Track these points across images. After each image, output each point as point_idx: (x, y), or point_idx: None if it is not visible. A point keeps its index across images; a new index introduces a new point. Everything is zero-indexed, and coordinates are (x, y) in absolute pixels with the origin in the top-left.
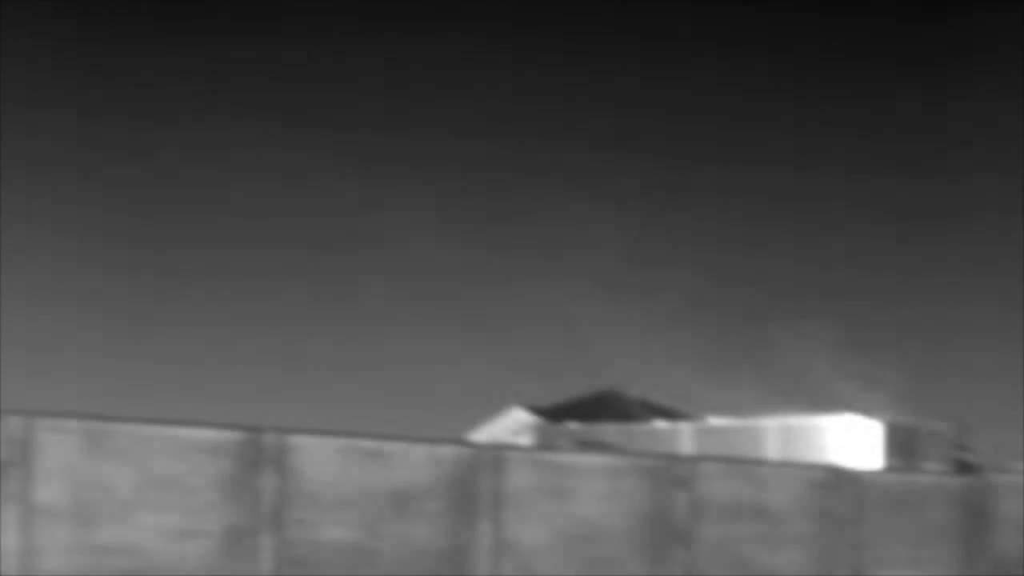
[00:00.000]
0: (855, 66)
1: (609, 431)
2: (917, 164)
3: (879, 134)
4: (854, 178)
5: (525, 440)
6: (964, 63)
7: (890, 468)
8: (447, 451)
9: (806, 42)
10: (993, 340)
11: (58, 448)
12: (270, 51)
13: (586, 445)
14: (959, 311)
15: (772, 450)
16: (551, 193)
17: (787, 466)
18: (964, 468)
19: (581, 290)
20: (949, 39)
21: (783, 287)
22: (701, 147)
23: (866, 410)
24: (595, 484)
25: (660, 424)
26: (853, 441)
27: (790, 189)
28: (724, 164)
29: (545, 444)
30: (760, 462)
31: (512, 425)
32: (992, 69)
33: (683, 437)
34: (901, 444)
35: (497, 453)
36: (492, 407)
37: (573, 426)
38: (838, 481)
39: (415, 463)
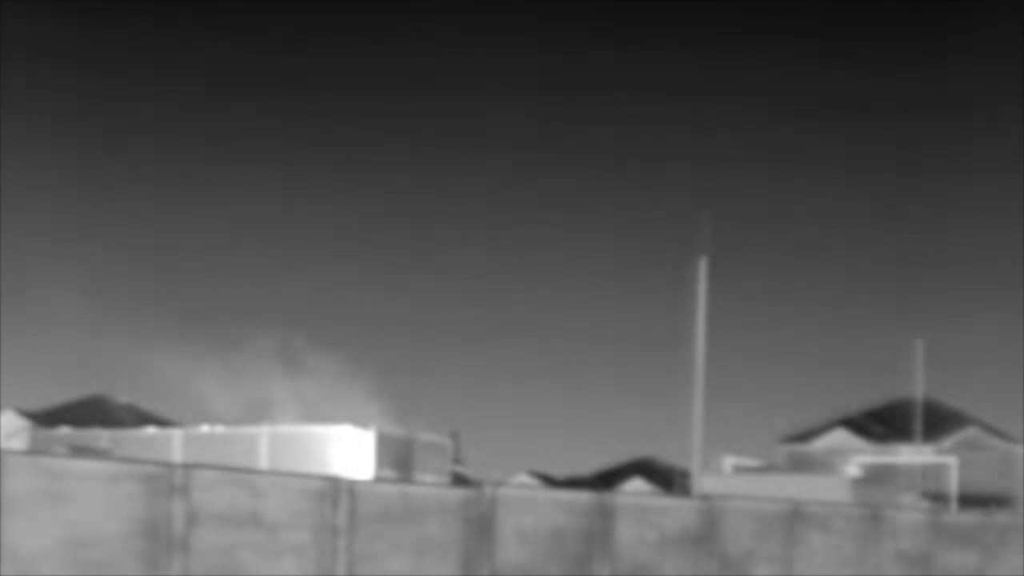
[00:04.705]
0: None
1: (100, 436)
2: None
3: None
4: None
5: (18, 444)
6: None
7: (383, 479)
8: None
9: None
10: (488, 355)
11: None
12: None
13: (79, 450)
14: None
15: (264, 459)
16: None
17: (283, 475)
18: (460, 480)
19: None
20: None
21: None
22: None
23: (361, 421)
24: (93, 490)
25: (151, 430)
26: (346, 451)
27: None
28: None
29: (38, 449)
30: (257, 471)
31: (3, 429)
32: None
33: (174, 444)
34: (395, 455)
35: None
36: None
37: (65, 431)
38: (335, 491)
39: None
